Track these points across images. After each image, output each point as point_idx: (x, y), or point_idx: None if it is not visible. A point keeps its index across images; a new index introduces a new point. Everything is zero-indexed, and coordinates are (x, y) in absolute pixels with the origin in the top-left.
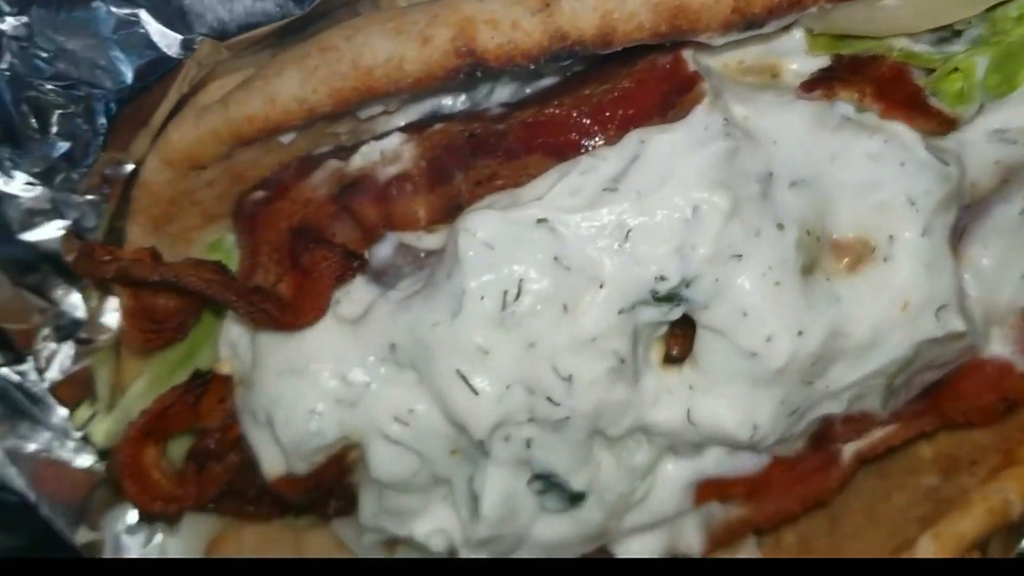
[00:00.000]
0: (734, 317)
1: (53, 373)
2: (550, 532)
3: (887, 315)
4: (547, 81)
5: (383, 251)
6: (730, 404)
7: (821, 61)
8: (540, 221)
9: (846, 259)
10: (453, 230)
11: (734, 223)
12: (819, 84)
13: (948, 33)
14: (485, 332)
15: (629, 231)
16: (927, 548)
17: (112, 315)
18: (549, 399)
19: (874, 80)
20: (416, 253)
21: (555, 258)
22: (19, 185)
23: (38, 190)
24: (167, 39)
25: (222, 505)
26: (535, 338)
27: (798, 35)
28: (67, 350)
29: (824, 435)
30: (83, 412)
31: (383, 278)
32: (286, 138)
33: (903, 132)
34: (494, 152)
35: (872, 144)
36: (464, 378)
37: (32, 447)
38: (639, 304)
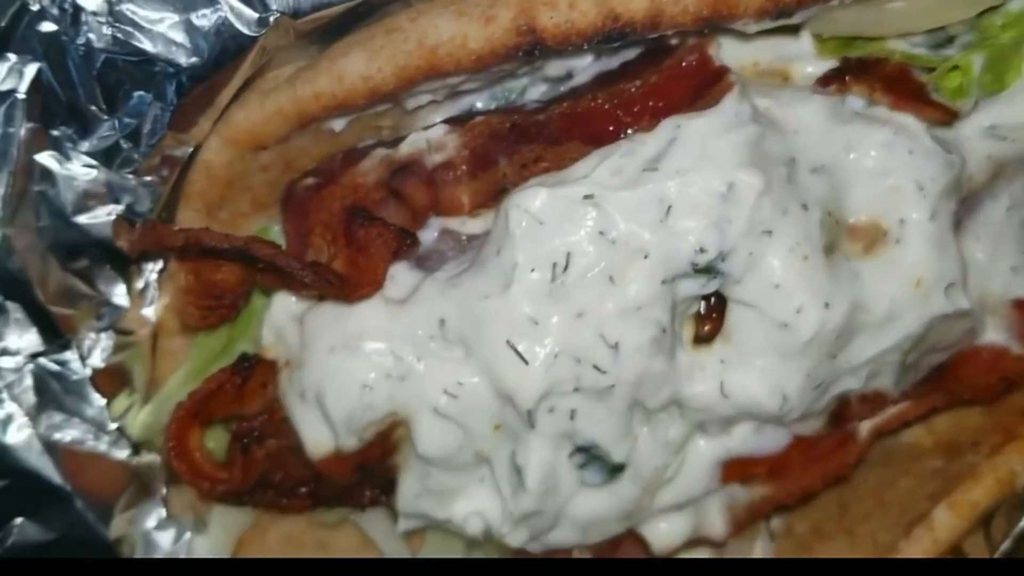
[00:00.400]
0: (766, 289)
1: (95, 361)
2: (588, 508)
3: (902, 292)
4: (578, 80)
5: (427, 237)
6: (761, 376)
7: (829, 64)
8: (587, 197)
9: (861, 243)
10: (503, 208)
11: (765, 201)
12: (833, 79)
13: (943, 39)
14: (535, 303)
15: (670, 207)
16: (943, 517)
17: (150, 309)
18: (596, 367)
19: (882, 77)
20: (459, 238)
21: (601, 232)
22: (77, 167)
23: (95, 172)
24: (243, 17)
25: (257, 497)
26: (583, 308)
27: (807, 41)
28: (108, 340)
29: (841, 414)
30: (120, 403)
31: (427, 263)
32: (338, 125)
33: (911, 123)
34: (536, 139)
35: (883, 134)
36: (514, 348)
37: (68, 438)
38: (679, 277)
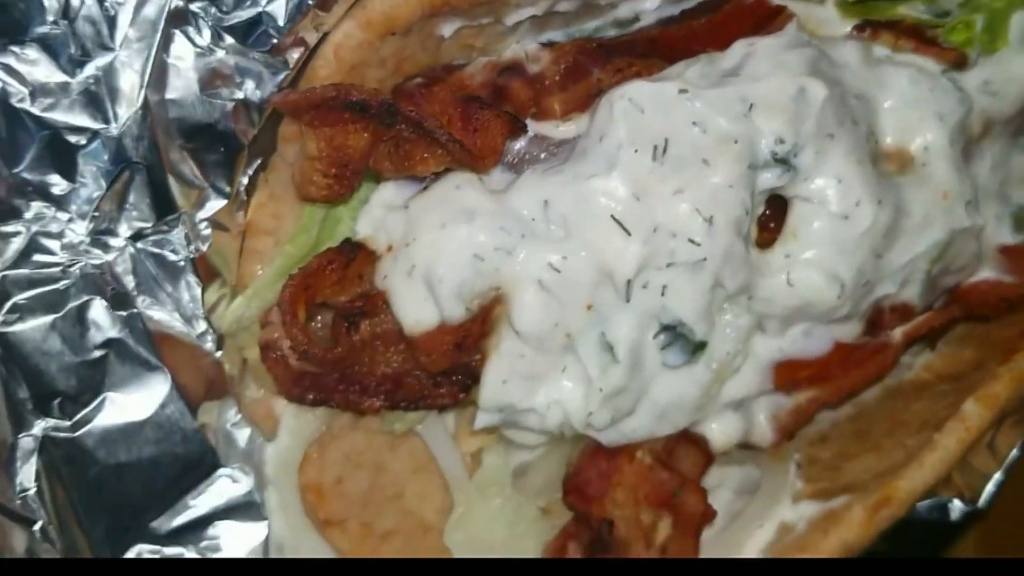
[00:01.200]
0: (830, 184)
1: (193, 248)
2: (666, 390)
3: (933, 202)
4: (644, 23)
5: (519, 141)
6: (821, 266)
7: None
8: (681, 91)
9: (894, 165)
10: (606, 99)
11: (828, 108)
12: (867, 27)
13: (942, 11)
14: (637, 181)
15: (752, 104)
16: (972, 409)
17: (240, 214)
18: (691, 240)
19: (903, 29)
20: (550, 143)
21: (694, 122)
22: (212, 43)
23: (225, 52)
24: None
25: (338, 396)
26: (681, 186)
27: (831, 8)
28: (206, 230)
29: (876, 321)
30: (212, 294)
31: (519, 167)
32: (447, 30)
33: (930, 66)
34: (624, 53)
35: (908, 73)
36: (618, 221)
37: (163, 321)
38: (760, 166)
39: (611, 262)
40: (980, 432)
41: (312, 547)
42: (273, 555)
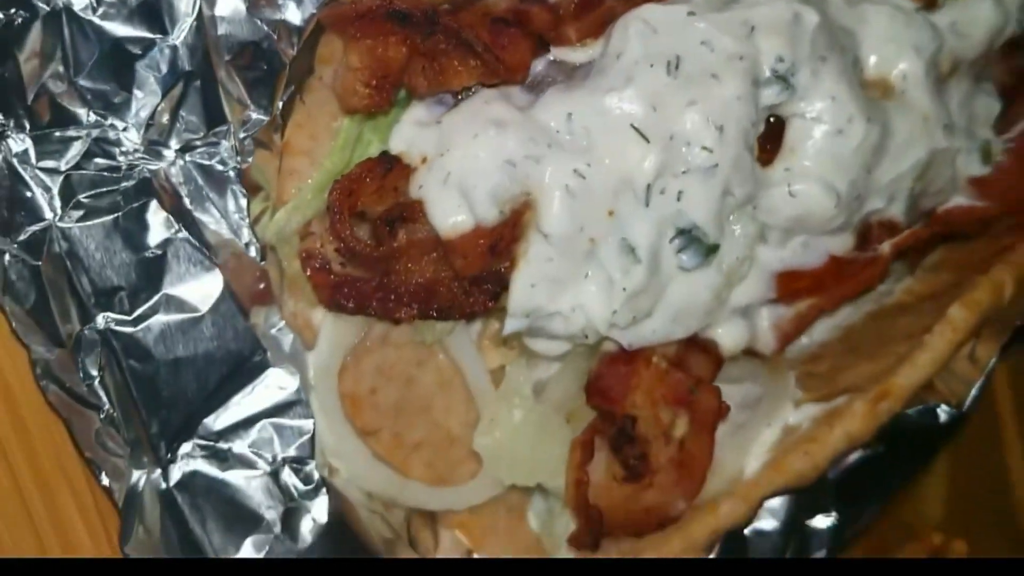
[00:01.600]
0: (825, 101)
1: (244, 157)
2: (681, 292)
3: (915, 124)
4: None
5: (537, 66)
6: (819, 178)
7: None
8: (690, 14)
9: (877, 92)
10: (622, 22)
11: (819, 33)
12: None
13: None
14: (653, 93)
15: (753, 27)
16: (957, 313)
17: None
18: (704, 147)
19: None
20: (567, 66)
21: (702, 42)
22: None
23: None
24: None
25: (376, 305)
26: (693, 98)
27: None
28: (249, 146)
29: (866, 235)
30: (256, 205)
31: (539, 89)
32: None
33: (906, 4)
34: None
35: (887, 10)
36: (637, 129)
37: (211, 229)
38: (763, 83)
39: (631, 169)
40: (965, 334)
41: (353, 449)
42: (318, 455)
